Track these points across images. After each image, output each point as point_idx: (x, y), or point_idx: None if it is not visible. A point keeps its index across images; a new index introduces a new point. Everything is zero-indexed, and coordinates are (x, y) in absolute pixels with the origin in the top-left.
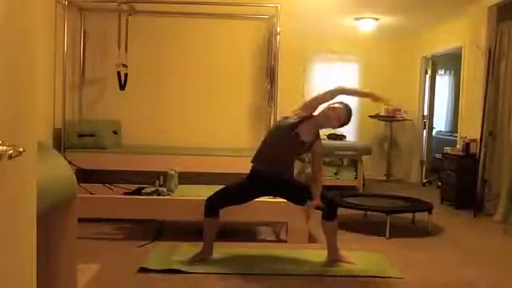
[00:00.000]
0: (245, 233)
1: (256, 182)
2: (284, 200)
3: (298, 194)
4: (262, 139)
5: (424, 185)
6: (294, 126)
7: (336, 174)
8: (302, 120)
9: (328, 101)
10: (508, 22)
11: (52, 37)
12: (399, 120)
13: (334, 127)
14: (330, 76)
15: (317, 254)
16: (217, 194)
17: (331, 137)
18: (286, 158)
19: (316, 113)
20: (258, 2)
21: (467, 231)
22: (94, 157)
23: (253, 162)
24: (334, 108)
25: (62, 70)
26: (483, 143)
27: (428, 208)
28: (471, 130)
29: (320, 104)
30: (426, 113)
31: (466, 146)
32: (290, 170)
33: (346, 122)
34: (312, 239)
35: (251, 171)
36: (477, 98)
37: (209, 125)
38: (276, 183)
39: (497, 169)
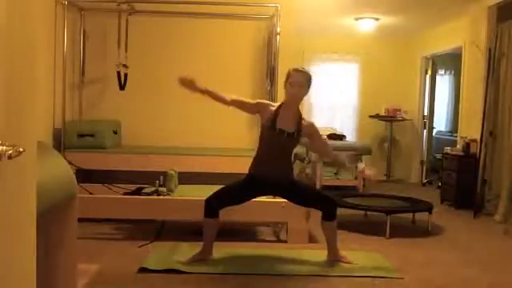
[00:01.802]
0: (245, 233)
1: (256, 184)
2: (284, 200)
3: (298, 195)
4: (257, 147)
5: (424, 185)
6: (273, 122)
7: (336, 174)
8: (276, 113)
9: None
10: (508, 21)
11: (52, 37)
12: (399, 120)
13: (301, 98)
14: (329, 76)
15: (317, 254)
16: (216, 194)
17: (331, 137)
18: (283, 159)
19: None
20: (257, 2)
21: (467, 231)
22: (94, 157)
23: (251, 170)
24: (290, 83)
25: (62, 70)
26: (483, 143)
27: (428, 208)
28: (471, 129)
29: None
30: (426, 113)
31: (466, 145)
32: (289, 172)
33: (309, 87)
34: (312, 239)
35: (251, 174)
36: (477, 97)
37: (209, 125)
38: (277, 186)
39: (497, 169)
